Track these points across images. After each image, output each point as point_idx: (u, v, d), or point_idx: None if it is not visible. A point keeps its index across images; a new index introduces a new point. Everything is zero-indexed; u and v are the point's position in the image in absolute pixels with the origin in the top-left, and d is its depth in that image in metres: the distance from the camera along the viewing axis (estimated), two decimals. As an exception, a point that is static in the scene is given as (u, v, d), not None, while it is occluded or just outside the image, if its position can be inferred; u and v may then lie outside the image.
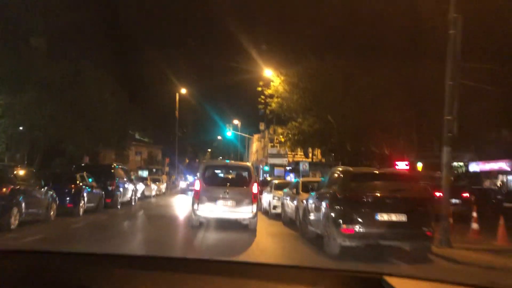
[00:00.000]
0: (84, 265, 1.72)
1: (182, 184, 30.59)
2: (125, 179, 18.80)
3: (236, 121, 57.81)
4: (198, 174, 11.53)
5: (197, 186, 10.56)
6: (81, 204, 13.40)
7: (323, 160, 26.63)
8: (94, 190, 14.87)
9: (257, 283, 1.52)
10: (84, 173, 14.91)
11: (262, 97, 25.99)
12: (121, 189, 17.63)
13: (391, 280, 1.47)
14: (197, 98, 51.74)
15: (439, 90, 10.04)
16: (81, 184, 13.88)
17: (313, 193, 9.85)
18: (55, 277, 1.58)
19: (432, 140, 24.40)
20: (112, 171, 17.72)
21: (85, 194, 13.74)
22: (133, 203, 19.61)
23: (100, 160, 35.41)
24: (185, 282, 1.57)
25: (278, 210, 14.56)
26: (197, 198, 10.25)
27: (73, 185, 13.43)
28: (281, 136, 26.88)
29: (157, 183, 29.06)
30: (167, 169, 37.08)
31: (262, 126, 38.44)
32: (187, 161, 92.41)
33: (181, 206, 20.22)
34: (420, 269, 7.01)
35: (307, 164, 22.59)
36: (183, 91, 42.35)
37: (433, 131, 20.47)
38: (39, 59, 21.05)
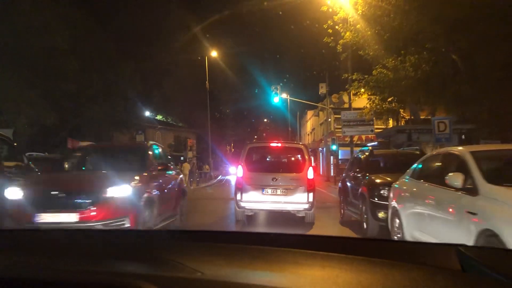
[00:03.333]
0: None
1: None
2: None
3: (284, 95, 47.52)
4: (240, 159, 9.48)
5: (240, 172, 9.12)
6: None
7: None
8: None
9: (327, 254, 1.38)
10: None
11: (330, 22, 15.46)
12: None
13: (467, 249, 1.36)
14: (235, 65, 41.94)
15: None
16: None
17: None
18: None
19: None
20: None
21: None
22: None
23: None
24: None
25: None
26: (240, 187, 8.96)
27: None
28: (362, 90, 16.24)
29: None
30: (190, 154, 27.16)
31: (322, 89, 27.32)
32: (232, 149, 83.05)
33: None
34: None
35: (447, 123, 11.39)
36: (214, 54, 32.47)
37: None
38: None
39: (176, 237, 1.82)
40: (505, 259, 1.41)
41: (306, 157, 9.32)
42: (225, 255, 1.40)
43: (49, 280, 1.03)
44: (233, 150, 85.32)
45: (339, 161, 27.93)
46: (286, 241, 1.64)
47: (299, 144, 12.08)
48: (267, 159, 10.51)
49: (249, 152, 9.56)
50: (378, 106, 16.24)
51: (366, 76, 15.91)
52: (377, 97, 15.98)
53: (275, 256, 1.39)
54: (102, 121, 18.40)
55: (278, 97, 23.95)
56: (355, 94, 17.12)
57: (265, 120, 74.50)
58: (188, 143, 27.67)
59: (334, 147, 24.59)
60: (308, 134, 49.31)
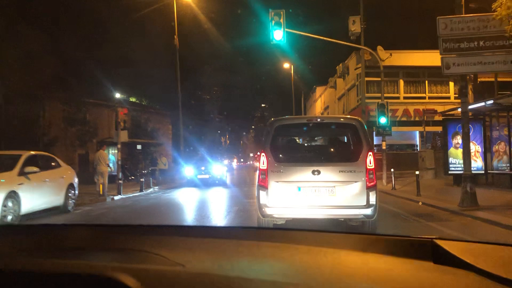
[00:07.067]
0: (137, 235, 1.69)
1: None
2: None
3: (286, 64, 37.70)
4: (263, 143, 7.02)
5: (264, 163, 6.67)
6: None
7: None
8: None
9: (307, 247, 1.44)
10: None
11: None
12: None
13: (441, 242, 1.38)
14: (220, 19, 32.18)
15: None
16: None
17: None
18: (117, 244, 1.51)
19: None
20: None
21: None
22: None
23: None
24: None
25: None
26: (266, 185, 6.60)
27: None
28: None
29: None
30: (124, 137, 16.14)
31: (355, 24, 15.92)
32: (228, 142, 72.06)
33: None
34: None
35: None
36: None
37: None
38: None
39: (158, 232, 1.78)
40: (479, 252, 1.39)
41: (363, 138, 6.60)
42: (207, 249, 1.41)
43: (26, 272, 1.03)
44: (228, 142, 74.30)
45: (374, 148, 17.93)
46: (266, 235, 1.67)
47: (351, 118, 7.64)
48: (304, 144, 8.47)
49: (277, 133, 7.01)
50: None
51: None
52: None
53: (256, 249, 1.43)
54: None
55: (282, 31, 13.45)
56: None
57: (263, 105, 64.78)
58: (120, 115, 16.78)
59: (383, 120, 14.63)
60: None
